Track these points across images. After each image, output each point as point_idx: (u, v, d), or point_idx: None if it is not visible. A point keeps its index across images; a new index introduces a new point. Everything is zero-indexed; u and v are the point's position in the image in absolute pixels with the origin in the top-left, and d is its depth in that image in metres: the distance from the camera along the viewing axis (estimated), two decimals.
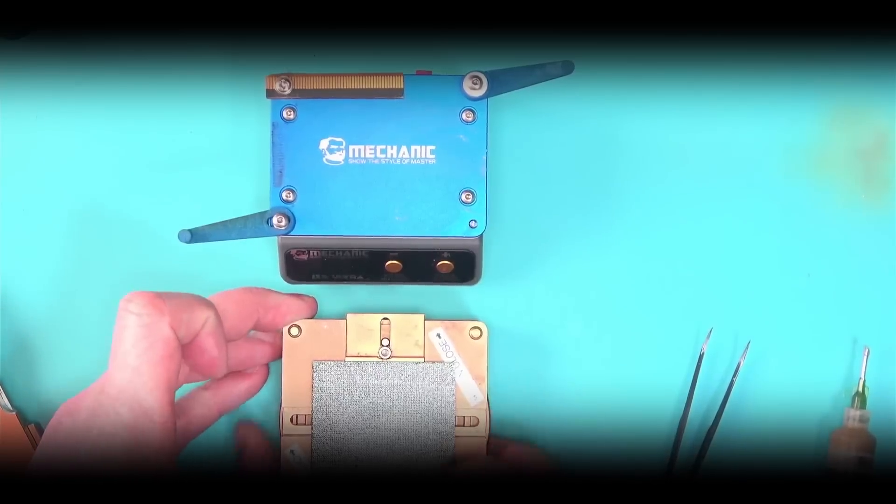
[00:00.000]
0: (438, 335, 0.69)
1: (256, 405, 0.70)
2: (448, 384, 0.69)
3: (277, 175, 0.65)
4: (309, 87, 0.65)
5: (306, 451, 0.69)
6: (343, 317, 0.70)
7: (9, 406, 0.70)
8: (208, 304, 0.62)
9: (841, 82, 0.71)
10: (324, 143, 0.65)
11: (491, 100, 0.65)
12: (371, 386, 0.69)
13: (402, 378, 0.69)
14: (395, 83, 0.65)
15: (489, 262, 0.71)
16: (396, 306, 0.71)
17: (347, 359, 0.69)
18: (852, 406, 0.69)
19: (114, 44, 0.72)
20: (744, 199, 0.71)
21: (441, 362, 0.69)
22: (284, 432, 0.69)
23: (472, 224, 0.65)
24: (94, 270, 0.71)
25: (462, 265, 0.67)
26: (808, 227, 0.71)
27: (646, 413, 0.70)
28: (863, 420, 0.69)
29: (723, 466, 0.70)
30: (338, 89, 0.65)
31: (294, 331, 0.69)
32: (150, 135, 0.72)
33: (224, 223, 0.64)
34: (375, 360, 0.69)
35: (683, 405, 0.70)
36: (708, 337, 0.70)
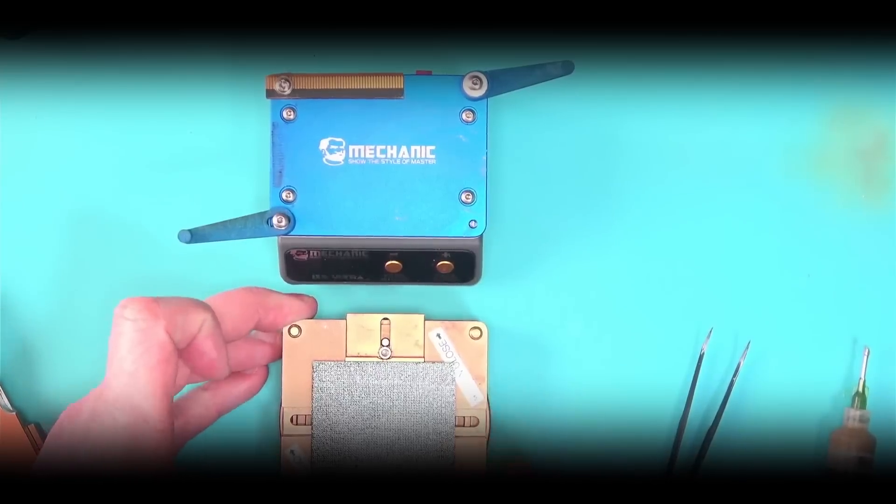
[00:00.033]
0: (438, 335, 0.69)
1: (256, 405, 0.70)
2: (448, 384, 0.69)
3: (277, 175, 0.65)
4: (309, 87, 0.65)
5: (306, 451, 0.69)
6: (343, 317, 0.70)
7: (9, 406, 0.70)
8: (205, 307, 0.62)
9: (841, 82, 0.71)
10: (324, 143, 0.65)
11: (491, 100, 0.65)
12: (371, 386, 0.69)
13: (402, 378, 0.69)
14: (395, 83, 0.65)
15: (489, 262, 0.71)
16: (396, 306, 0.71)
17: (347, 359, 0.69)
18: (852, 406, 0.69)
19: (114, 44, 0.72)
20: (744, 199, 0.71)
21: (441, 362, 0.69)
22: (284, 432, 0.69)
23: (472, 224, 0.65)
24: (94, 271, 0.71)
25: (462, 265, 0.67)
26: (808, 227, 0.71)
27: (646, 413, 0.70)
28: (863, 420, 0.69)
29: (723, 466, 0.70)
30: (338, 89, 0.65)
31: (294, 331, 0.69)
32: (150, 135, 0.72)
33: (224, 223, 0.64)
34: (375, 360, 0.69)
35: (683, 405, 0.70)
36: (708, 337, 0.70)
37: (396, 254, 0.66)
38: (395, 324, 0.70)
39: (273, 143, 0.65)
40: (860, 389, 0.69)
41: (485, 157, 0.65)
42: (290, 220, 0.64)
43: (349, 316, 0.70)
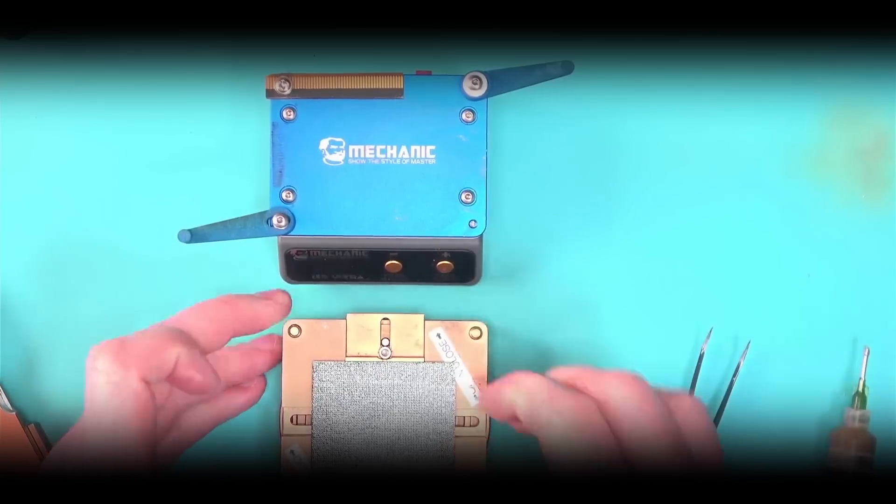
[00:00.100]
0: (438, 335, 0.69)
1: (256, 405, 0.70)
2: (448, 384, 0.69)
3: (277, 175, 0.65)
4: (309, 87, 0.65)
5: (306, 451, 0.69)
6: (343, 317, 0.70)
7: (9, 406, 0.70)
8: (176, 339, 0.59)
9: (841, 82, 0.71)
10: (324, 143, 0.65)
11: (491, 100, 0.65)
12: (371, 386, 0.69)
13: (402, 378, 0.69)
14: (395, 83, 0.65)
15: (489, 262, 0.71)
16: (396, 306, 0.71)
17: (347, 359, 0.69)
18: (852, 406, 0.69)
19: (114, 44, 0.72)
20: (744, 199, 0.71)
21: (441, 362, 0.69)
22: (284, 432, 0.69)
23: (472, 224, 0.65)
24: (94, 270, 0.71)
25: (462, 265, 0.67)
26: (808, 227, 0.71)
27: None
28: (863, 420, 0.69)
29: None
30: (338, 89, 0.65)
31: (294, 331, 0.69)
32: (150, 135, 0.72)
33: (224, 223, 0.64)
34: (375, 360, 0.69)
35: None
36: (708, 337, 0.70)
37: (396, 254, 0.66)
38: (395, 324, 0.70)
39: (273, 143, 0.65)
40: (860, 389, 0.69)
41: (485, 157, 0.65)
42: (290, 220, 0.64)
43: (349, 316, 0.70)
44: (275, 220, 0.64)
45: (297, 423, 0.69)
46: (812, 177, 0.71)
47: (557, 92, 0.70)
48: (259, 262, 0.71)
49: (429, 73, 0.66)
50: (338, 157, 0.65)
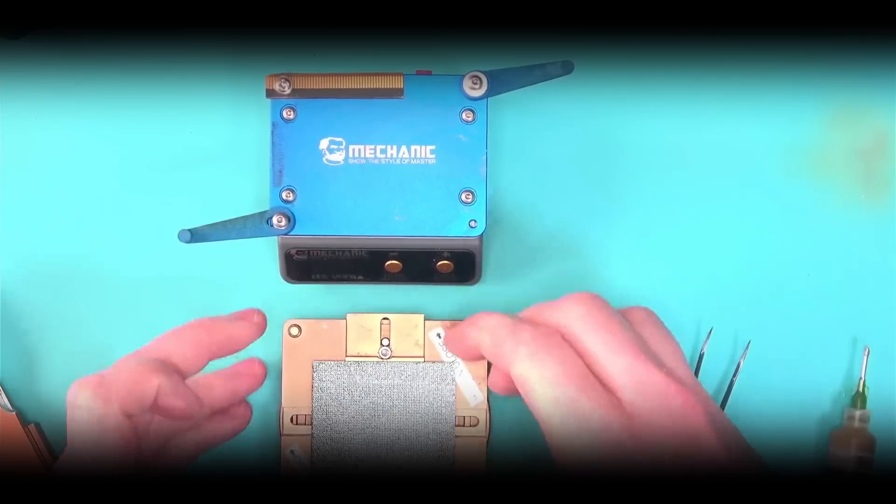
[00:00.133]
0: (438, 335, 0.69)
1: (256, 405, 0.70)
2: (448, 384, 0.69)
3: (277, 175, 0.65)
4: (309, 87, 0.65)
5: (306, 451, 0.69)
6: (343, 317, 0.70)
7: (9, 406, 0.70)
8: (155, 368, 0.59)
9: (841, 82, 0.71)
10: (324, 143, 0.65)
11: (491, 100, 0.65)
12: (371, 386, 0.69)
13: (402, 378, 0.69)
14: (395, 83, 0.65)
15: (489, 262, 0.71)
16: (396, 306, 0.71)
17: (347, 359, 0.69)
18: (852, 406, 0.69)
19: (114, 44, 0.72)
20: (744, 198, 0.71)
21: (441, 362, 0.69)
22: (284, 432, 0.69)
23: (472, 224, 0.65)
24: (94, 270, 0.71)
25: (462, 265, 0.67)
26: (808, 227, 0.71)
27: None
28: (863, 420, 0.69)
29: None
30: (338, 89, 0.65)
31: (294, 331, 0.69)
32: (150, 135, 0.72)
33: (224, 223, 0.64)
34: (375, 360, 0.69)
35: None
36: (708, 337, 0.70)
37: (396, 254, 0.66)
38: (395, 324, 0.70)
39: (273, 143, 0.65)
40: (860, 389, 0.69)
41: (485, 157, 0.65)
42: (290, 219, 0.64)
43: (349, 316, 0.70)
44: (275, 220, 0.64)
45: (297, 423, 0.69)
46: (812, 177, 0.71)
47: (557, 92, 0.70)
48: (259, 262, 0.71)
49: (429, 73, 0.66)
50: (338, 156, 0.65)
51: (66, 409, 0.68)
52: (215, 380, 0.66)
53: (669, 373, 0.57)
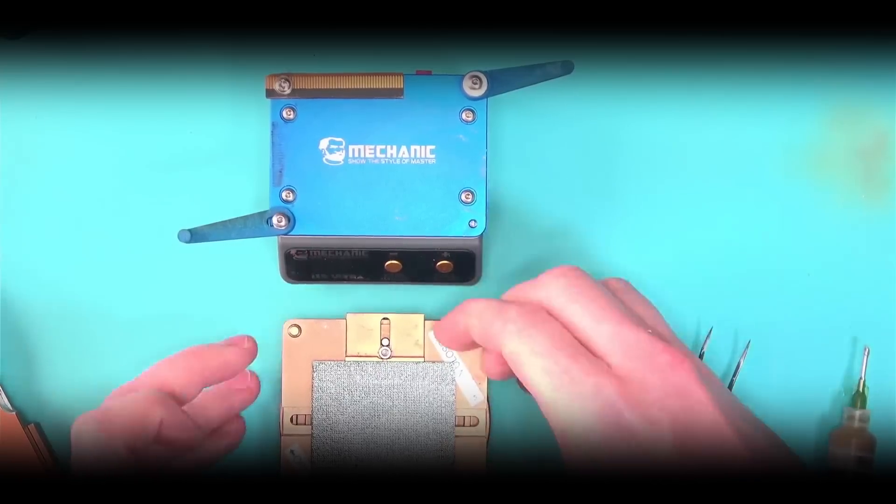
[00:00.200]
0: None
1: (256, 405, 0.70)
2: (448, 384, 0.69)
3: (277, 175, 0.65)
4: (309, 87, 0.65)
5: (306, 451, 0.69)
6: (343, 317, 0.70)
7: (9, 406, 0.70)
8: (157, 401, 0.60)
9: (841, 82, 0.71)
10: (324, 143, 0.65)
11: (491, 100, 0.65)
12: (371, 386, 0.69)
13: (402, 378, 0.69)
14: (395, 83, 0.65)
15: (489, 262, 0.71)
16: (396, 306, 0.71)
17: (347, 359, 0.69)
18: (852, 406, 0.69)
19: (114, 44, 0.72)
20: (744, 198, 0.71)
21: (441, 362, 0.69)
22: (284, 432, 0.69)
23: (472, 224, 0.65)
24: (94, 270, 0.71)
25: (462, 265, 0.67)
26: (808, 226, 0.71)
27: None
28: (863, 420, 0.69)
29: None
30: (338, 89, 0.65)
31: (294, 331, 0.69)
32: (150, 135, 0.72)
33: (224, 223, 0.64)
34: (375, 360, 0.69)
35: None
36: (708, 337, 0.70)
37: (396, 254, 0.66)
38: (395, 324, 0.70)
39: (273, 143, 0.65)
40: (860, 389, 0.69)
41: (485, 157, 0.65)
42: (290, 219, 0.64)
43: (349, 316, 0.70)
44: (275, 219, 0.64)
45: (297, 423, 0.69)
46: (812, 177, 0.71)
47: (557, 92, 0.70)
48: (259, 262, 0.71)
49: (429, 73, 0.66)
50: (338, 156, 0.65)
51: (65, 413, 0.68)
52: (210, 400, 0.65)
53: (654, 333, 0.57)
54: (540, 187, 0.71)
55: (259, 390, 0.67)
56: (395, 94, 0.65)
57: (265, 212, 0.65)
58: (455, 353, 0.69)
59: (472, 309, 0.60)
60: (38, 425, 0.71)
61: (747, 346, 0.70)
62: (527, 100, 0.71)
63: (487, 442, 0.69)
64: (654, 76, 0.71)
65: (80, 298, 0.71)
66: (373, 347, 0.69)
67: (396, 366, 0.69)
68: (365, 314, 0.70)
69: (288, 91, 0.65)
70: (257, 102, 0.69)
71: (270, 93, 0.65)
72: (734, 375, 0.70)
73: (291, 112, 0.65)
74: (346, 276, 0.68)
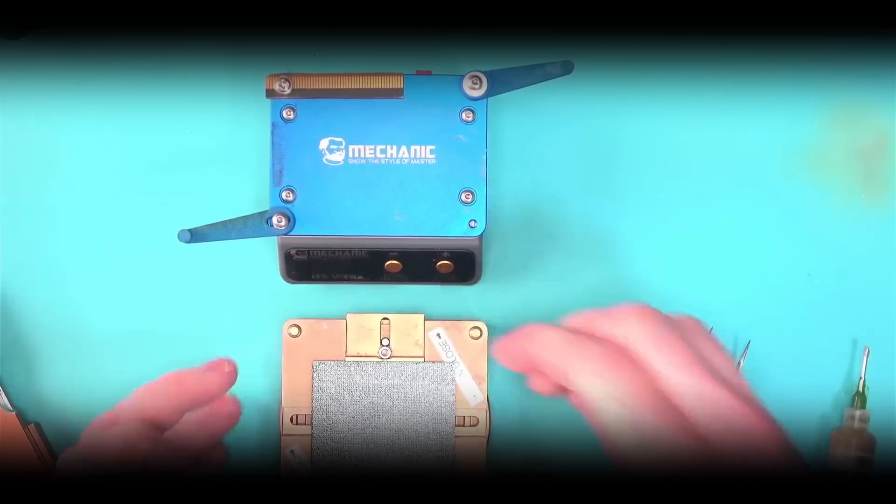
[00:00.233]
0: (438, 335, 0.69)
1: (257, 405, 0.70)
2: (448, 384, 0.69)
3: (277, 175, 0.65)
4: (309, 87, 0.65)
5: (306, 451, 0.69)
6: (343, 317, 0.70)
7: (9, 406, 0.70)
8: (141, 435, 0.59)
9: (841, 82, 0.71)
10: (324, 143, 0.65)
11: (491, 100, 0.65)
12: (371, 386, 0.69)
13: (402, 378, 0.69)
14: (395, 83, 0.65)
15: (489, 262, 0.71)
16: (396, 306, 0.71)
17: (347, 359, 0.69)
18: (852, 406, 0.69)
19: (114, 44, 0.72)
20: (744, 198, 0.71)
21: (441, 362, 0.69)
22: (284, 432, 0.69)
23: (472, 224, 0.65)
24: (94, 270, 0.71)
25: (462, 265, 0.67)
26: (808, 226, 0.71)
27: None
28: (863, 420, 0.69)
29: None
30: (338, 89, 0.65)
31: (294, 331, 0.69)
32: (150, 135, 0.72)
33: (224, 223, 0.64)
34: (375, 360, 0.69)
35: None
36: None
37: (396, 253, 0.66)
38: (395, 323, 0.70)
39: (273, 143, 0.65)
40: (860, 389, 0.69)
41: (485, 157, 0.65)
42: (290, 219, 0.64)
43: (349, 316, 0.70)
44: (275, 219, 0.64)
45: (297, 423, 0.69)
46: (812, 177, 0.71)
47: (557, 92, 0.70)
48: (259, 262, 0.71)
49: (429, 73, 0.66)
50: (338, 156, 0.65)
51: (65, 412, 0.67)
52: (192, 426, 0.65)
53: (736, 391, 0.56)
54: (540, 187, 0.71)
55: (240, 414, 0.66)
56: (395, 94, 0.65)
57: (265, 212, 0.65)
58: (455, 353, 0.69)
59: (541, 337, 0.57)
60: (38, 425, 0.71)
61: (747, 346, 0.70)
62: (527, 100, 0.71)
63: (487, 442, 0.69)
64: (654, 76, 0.71)
65: (79, 299, 0.71)
66: (373, 347, 0.69)
67: (396, 366, 0.69)
68: (365, 314, 0.70)
69: (288, 91, 0.65)
70: (257, 102, 0.69)
71: (270, 93, 0.65)
72: None
73: (291, 112, 0.65)
74: (346, 276, 0.68)
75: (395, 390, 0.69)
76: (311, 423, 0.69)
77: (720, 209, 0.71)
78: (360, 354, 0.69)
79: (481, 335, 0.69)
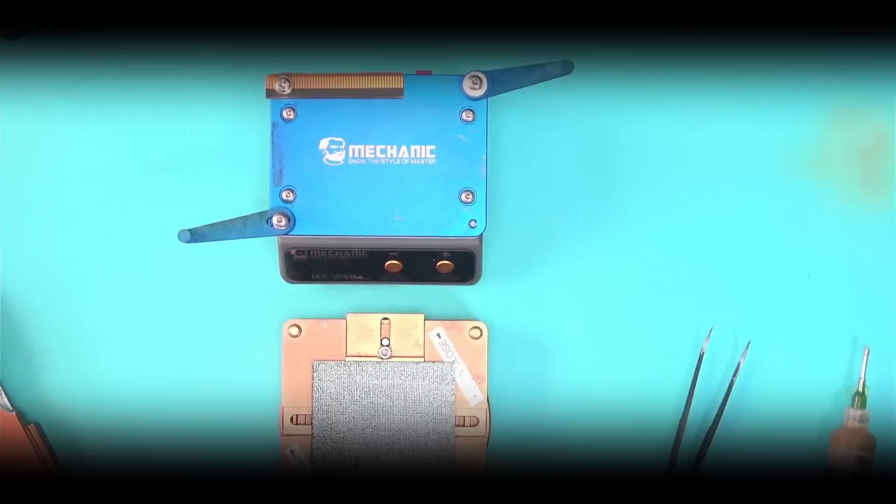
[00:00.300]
0: (438, 335, 0.69)
1: (257, 405, 0.70)
2: (448, 384, 0.69)
3: (277, 175, 0.65)
4: (309, 86, 0.65)
5: (306, 451, 0.69)
6: (343, 317, 0.70)
7: (9, 406, 0.70)
8: None
9: (841, 82, 0.71)
10: (324, 143, 0.65)
11: (491, 100, 0.65)
12: (371, 386, 0.69)
13: (402, 378, 0.69)
14: (395, 83, 0.65)
15: (489, 262, 0.71)
16: (396, 306, 0.71)
17: (347, 359, 0.69)
18: (852, 406, 0.69)
19: (114, 44, 0.72)
20: (744, 198, 0.71)
21: (441, 362, 0.69)
22: (284, 432, 0.69)
23: (472, 224, 0.65)
24: (94, 270, 0.71)
25: (462, 265, 0.67)
26: (809, 226, 0.71)
27: (646, 413, 0.70)
28: (863, 420, 0.69)
29: (723, 466, 0.70)
30: (338, 89, 0.65)
31: (294, 331, 0.69)
32: (151, 135, 0.72)
33: (224, 223, 0.64)
34: (375, 359, 0.69)
35: (683, 405, 0.70)
36: (708, 337, 0.70)
37: (396, 253, 0.66)
38: (395, 323, 0.70)
39: (273, 143, 0.65)
40: (860, 389, 0.69)
41: (485, 157, 0.65)
42: (290, 219, 0.64)
43: (349, 316, 0.70)
44: (275, 219, 0.64)
45: (297, 423, 0.69)
46: (812, 176, 0.71)
47: (557, 92, 0.70)
48: (259, 262, 0.71)
49: (429, 73, 0.66)
50: (338, 156, 0.65)
51: (65, 413, 0.67)
52: None
53: None
54: (540, 187, 0.71)
55: None
56: (395, 94, 0.65)
57: (265, 212, 0.65)
58: (455, 353, 0.69)
59: None
60: (38, 425, 0.71)
61: (747, 346, 0.70)
62: (527, 100, 0.71)
63: (487, 442, 0.69)
64: (654, 76, 0.71)
65: (79, 298, 0.71)
66: (373, 347, 0.69)
67: (396, 366, 0.69)
68: (365, 314, 0.70)
69: (288, 91, 0.65)
70: (257, 102, 0.69)
71: (270, 93, 0.65)
72: (734, 375, 0.70)
73: (291, 112, 0.65)
74: (346, 276, 0.68)
75: (395, 390, 0.69)
76: (311, 423, 0.69)
77: (720, 209, 0.71)
78: (361, 354, 0.69)
79: (481, 335, 0.69)
